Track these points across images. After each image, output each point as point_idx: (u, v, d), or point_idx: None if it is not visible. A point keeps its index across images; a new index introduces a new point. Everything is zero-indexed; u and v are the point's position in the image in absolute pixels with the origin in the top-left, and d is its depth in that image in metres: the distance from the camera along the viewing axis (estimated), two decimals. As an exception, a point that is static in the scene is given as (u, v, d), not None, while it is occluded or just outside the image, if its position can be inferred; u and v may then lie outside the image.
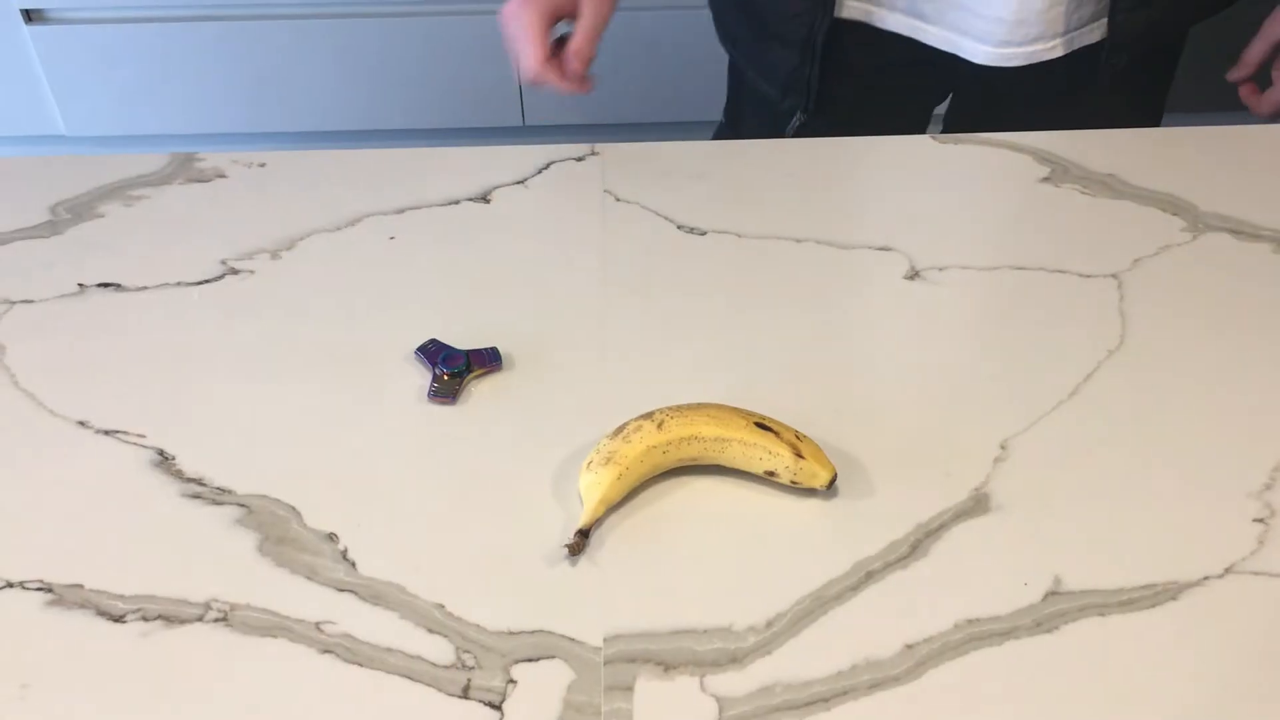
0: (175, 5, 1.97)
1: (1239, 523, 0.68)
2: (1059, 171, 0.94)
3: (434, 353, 0.77)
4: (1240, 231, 0.88)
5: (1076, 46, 0.97)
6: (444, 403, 0.75)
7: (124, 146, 2.08)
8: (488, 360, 0.77)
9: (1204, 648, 0.62)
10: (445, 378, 0.76)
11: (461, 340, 0.79)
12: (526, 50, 0.89)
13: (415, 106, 2.06)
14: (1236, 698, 0.60)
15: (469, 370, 0.76)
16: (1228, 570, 0.65)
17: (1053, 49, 0.96)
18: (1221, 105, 1.02)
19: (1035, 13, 0.94)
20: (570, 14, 0.91)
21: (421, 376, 0.77)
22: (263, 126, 2.10)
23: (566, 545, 0.66)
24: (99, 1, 1.96)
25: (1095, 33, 0.97)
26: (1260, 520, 0.68)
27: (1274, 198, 0.91)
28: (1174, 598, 0.64)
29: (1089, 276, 0.84)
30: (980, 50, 0.96)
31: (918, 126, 1.15)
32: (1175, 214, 0.90)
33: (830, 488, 0.69)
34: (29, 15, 1.98)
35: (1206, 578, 0.65)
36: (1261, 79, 1.02)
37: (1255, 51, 1.01)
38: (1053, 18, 0.94)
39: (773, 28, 1.01)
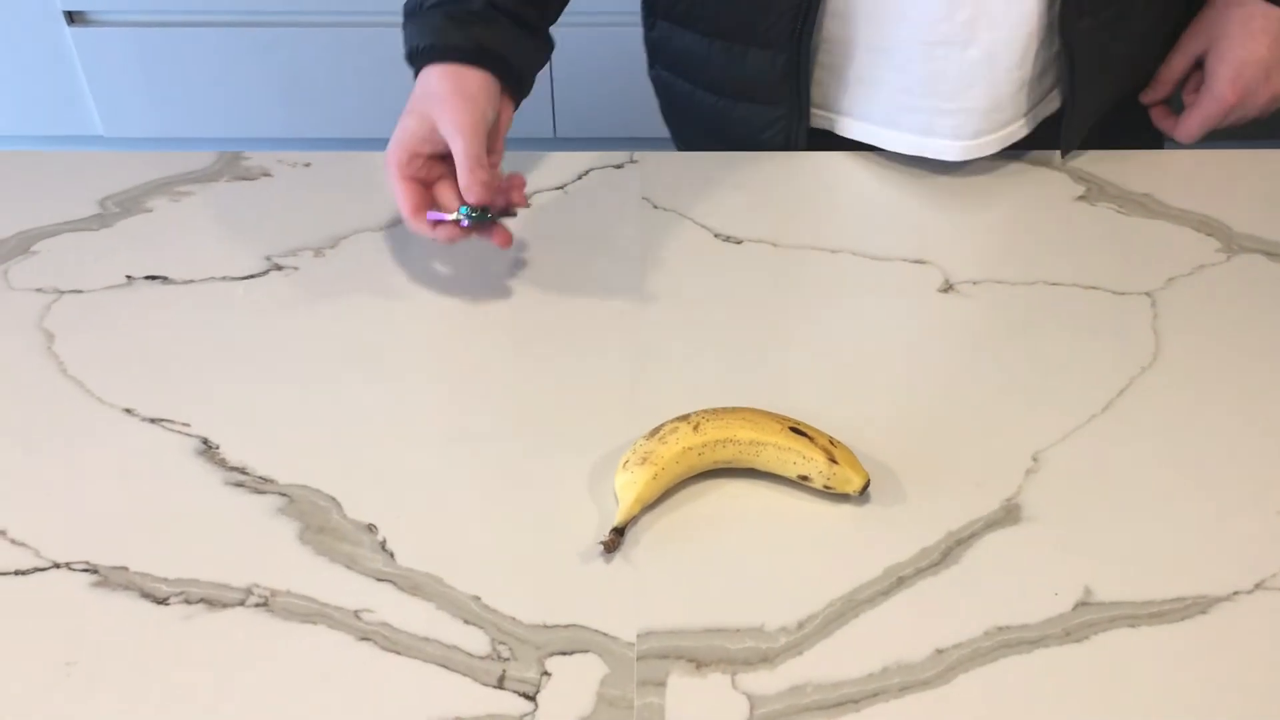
0: (215, 10, 1.99)
1: (1269, 538, 0.68)
2: (1094, 190, 0.95)
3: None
4: (1274, 253, 0.88)
5: (1039, 121, 0.97)
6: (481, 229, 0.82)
7: (160, 147, 2.11)
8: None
9: (1233, 661, 0.62)
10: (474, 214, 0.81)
11: (498, 337, 0.80)
12: (400, 203, 0.82)
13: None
14: (1265, 712, 0.60)
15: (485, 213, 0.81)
16: (1258, 586, 0.66)
17: (1020, 129, 0.96)
18: (1251, 134, 1.02)
19: (1006, 96, 0.92)
20: (439, 144, 0.82)
21: (459, 371, 0.78)
22: (299, 132, 2.13)
23: (602, 542, 0.67)
24: (140, 5, 1.99)
25: (1053, 103, 0.97)
26: (1291, 538, 0.68)
27: (1308, 221, 0.91)
28: (1204, 611, 0.65)
29: (1123, 294, 0.85)
30: (951, 147, 0.94)
31: None
32: (1210, 234, 0.90)
33: (863, 494, 0.70)
34: (71, 16, 2.01)
35: (1236, 592, 0.66)
36: (1174, 102, 1.00)
37: (1175, 68, 0.98)
38: (1020, 98, 0.94)
39: (749, 141, 1.00)
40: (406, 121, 0.82)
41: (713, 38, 0.97)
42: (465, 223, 0.81)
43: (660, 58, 1.05)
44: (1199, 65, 0.97)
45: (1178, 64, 0.98)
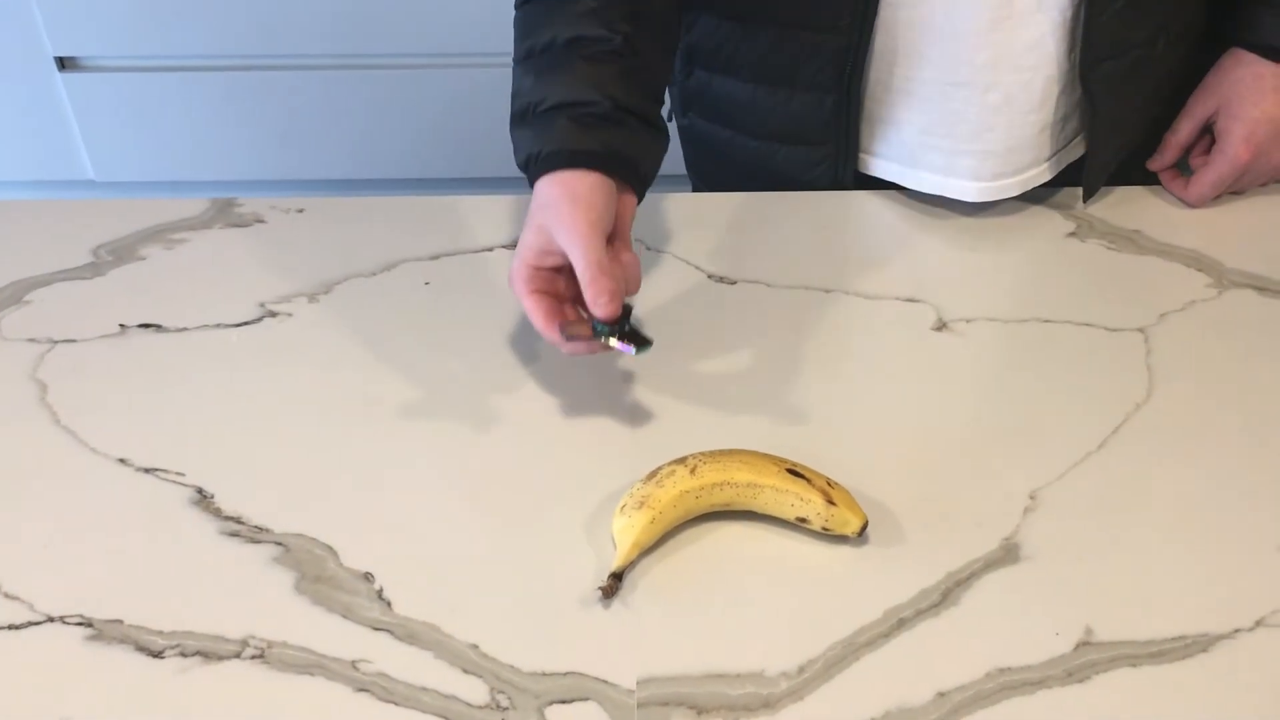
0: (206, 55, 2.00)
1: (1269, 575, 0.68)
2: (1085, 226, 0.95)
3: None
4: (1265, 288, 0.89)
5: (1063, 166, 0.97)
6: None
7: (151, 192, 2.11)
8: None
9: (1235, 699, 0.62)
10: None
11: (492, 382, 0.80)
12: (533, 320, 0.75)
13: (450, 156, 2.09)
14: (1270, 750, 0.60)
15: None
16: (1258, 623, 0.66)
17: (1042, 174, 0.96)
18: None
19: (1027, 139, 0.93)
20: (559, 255, 0.75)
21: (454, 417, 0.78)
22: (291, 175, 2.13)
23: (600, 588, 0.67)
24: (131, 50, 2.00)
25: (1078, 149, 0.97)
26: (1290, 574, 0.68)
27: (1298, 255, 0.92)
28: (1205, 649, 0.64)
29: (1116, 330, 0.85)
30: (971, 188, 0.95)
31: None
32: (1200, 270, 0.91)
33: (861, 535, 0.69)
34: (62, 62, 2.02)
35: (1237, 630, 0.65)
36: (1182, 166, 1.00)
37: (1182, 133, 0.98)
38: (1041, 142, 0.94)
39: (793, 184, 1.00)
40: (525, 235, 0.76)
41: (756, 83, 0.97)
42: (607, 341, 0.73)
43: (696, 106, 1.05)
44: (1207, 130, 0.98)
45: (1185, 129, 0.98)
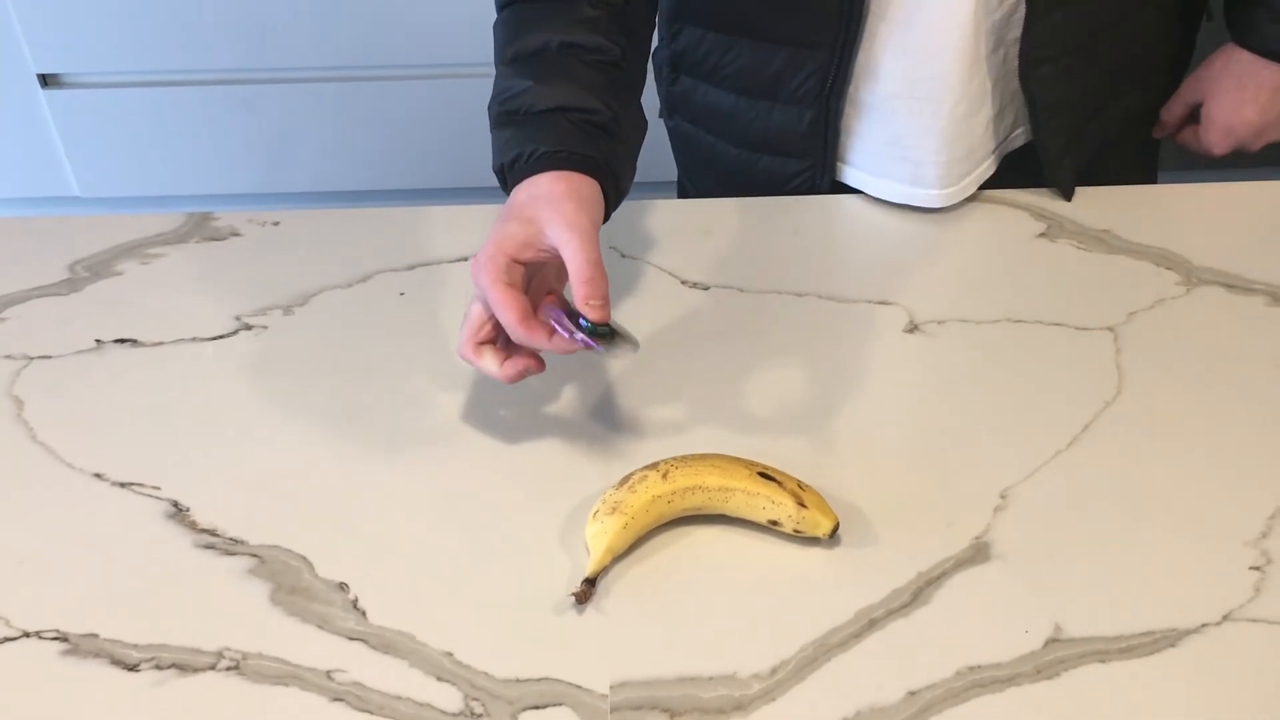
0: (187, 70, 2.01)
1: (1236, 570, 0.69)
2: (1055, 227, 0.96)
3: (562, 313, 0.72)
4: (1233, 285, 0.90)
5: (1004, 154, 0.99)
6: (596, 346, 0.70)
7: (136, 207, 2.12)
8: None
9: (1203, 694, 0.63)
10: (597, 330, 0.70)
11: (465, 391, 0.81)
12: (504, 313, 0.71)
13: (423, 167, 2.09)
14: (1236, 743, 0.60)
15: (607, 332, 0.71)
16: (1225, 617, 0.66)
17: (989, 167, 0.98)
18: (1212, 163, 1.04)
19: (978, 140, 0.95)
20: (542, 251, 0.73)
21: (428, 426, 0.79)
22: (274, 187, 2.13)
23: (574, 594, 0.67)
24: (113, 66, 2.01)
25: (1018, 140, 1.00)
26: (1257, 568, 0.69)
27: (1265, 252, 0.92)
28: (1173, 645, 0.65)
29: (1085, 329, 0.86)
30: (935, 195, 0.96)
31: None
32: (1169, 268, 0.91)
33: (833, 536, 0.70)
34: (45, 79, 2.02)
35: (1205, 625, 0.66)
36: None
37: (1174, 112, 1.03)
38: (987, 138, 0.96)
39: (772, 192, 1.01)
40: (507, 227, 0.73)
41: (739, 94, 0.98)
42: (593, 344, 0.70)
43: (681, 110, 1.06)
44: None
45: (1176, 110, 1.03)
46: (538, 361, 0.74)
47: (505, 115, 0.79)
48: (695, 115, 1.05)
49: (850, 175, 0.99)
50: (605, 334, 0.71)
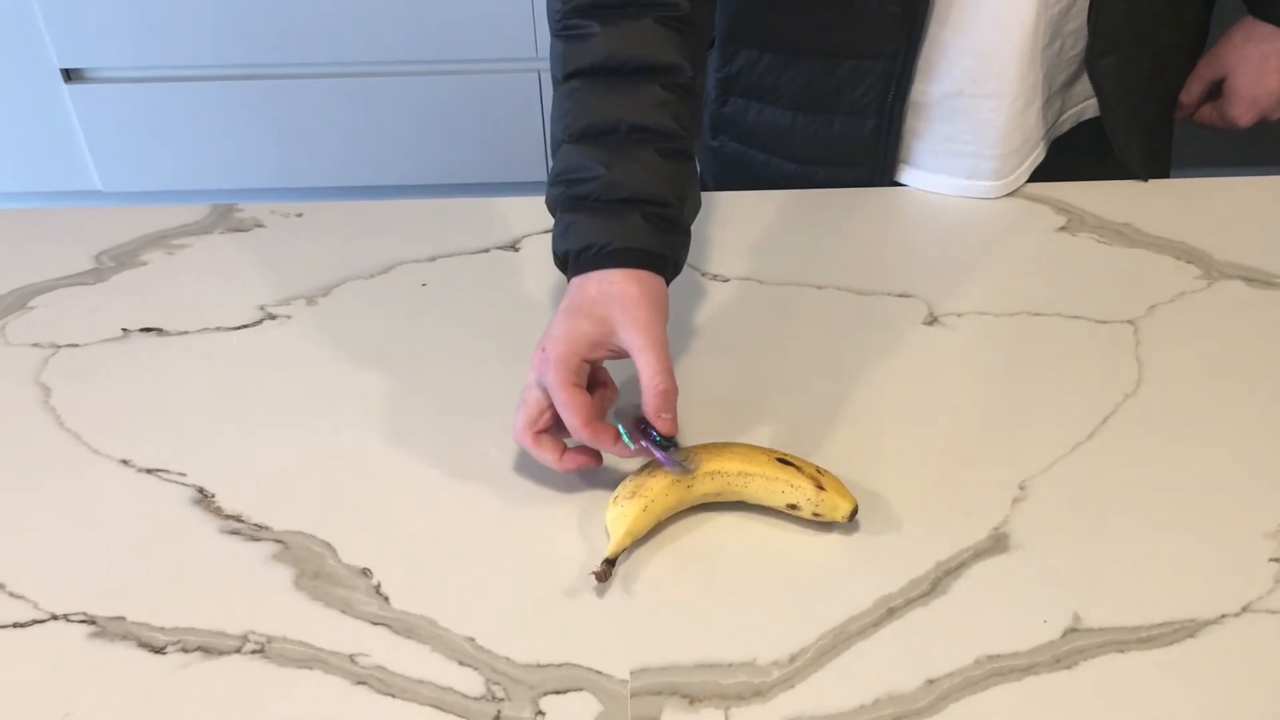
0: (209, 65, 2.02)
1: (1256, 562, 0.69)
2: (1075, 221, 0.96)
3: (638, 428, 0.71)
4: (1253, 279, 0.90)
5: (1055, 136, 1.02)
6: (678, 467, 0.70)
7: (157, 201, 2.13)
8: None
9: (1221, 685, 0.63)
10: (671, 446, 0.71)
11: (486, 380, 0.81)
12: (569, 414, 0.70)
13: (443, 162, 2.10)
14: (1255, 733, 0.61)
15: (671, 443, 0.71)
16: (1245, 609, 0.66)
17: (1040, 155, 1.01)
18: (1230, 160, 1.04)
19: (1031, 128, 0.97)
20: (612, 350, 0.72)
21: (449, 415, 0.79)
22: (294, 182, 2.15)
23: (594, 572, 0.68)
24: (136, 61, 2.02)
25: (1066, 124, 1.02)
26: (1276, 560, 0.69)
27: (1287, 246, 0.92)
28: (1192, 635, 0.65)
29: (1105, 322, 0.86)
30: (992, 186, 0.98)
31: None
32: (1190, 262, 0.91)
33: (852, 519, 0.70)
34: (68, 74, 2.04)
35: (1224, 616, 0.66)
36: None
37: (1193, 92, 1.05)
38: (1038, 126, 0.98)
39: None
40: (579, 323, 0.71)
41: (797, 111, 0.99)
42: (657, 455, 0.70)
43: (730, 131, 1.05)
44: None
45: (1195, 90, 1.05)
46: (596, 458, 0.73)
47: (573, 200, 0.76)
48: (746, 134, 1.04)
49: (908, 175, 1.00)
50: (670, 446, 0.71)
